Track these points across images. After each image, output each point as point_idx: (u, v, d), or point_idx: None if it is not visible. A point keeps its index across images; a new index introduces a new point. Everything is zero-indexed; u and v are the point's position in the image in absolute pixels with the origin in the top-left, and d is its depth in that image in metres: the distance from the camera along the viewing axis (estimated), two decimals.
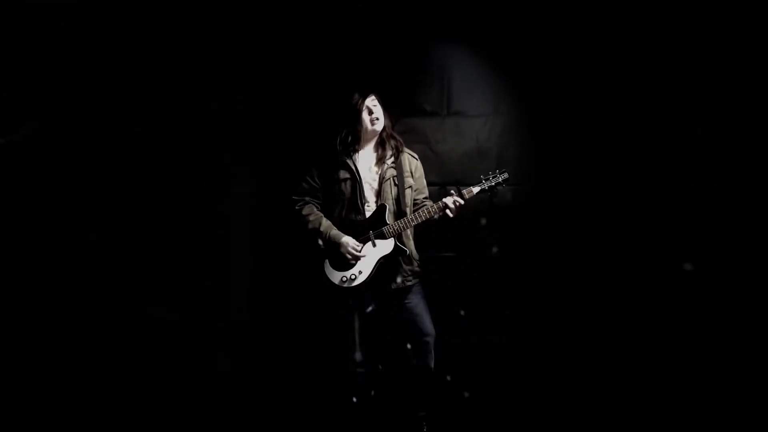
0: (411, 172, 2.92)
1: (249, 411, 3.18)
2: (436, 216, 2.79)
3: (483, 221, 3.13)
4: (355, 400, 2.92)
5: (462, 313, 3.13)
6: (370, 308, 2.87)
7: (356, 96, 2.83)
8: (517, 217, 3.18)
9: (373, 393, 2.96)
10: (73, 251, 3.06)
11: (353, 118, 2.84)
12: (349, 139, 2.87)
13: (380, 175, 2.88)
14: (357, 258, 2.80)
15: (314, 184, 2.91)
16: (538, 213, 3.17)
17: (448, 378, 3.06)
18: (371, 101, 2.84)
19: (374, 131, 2.87)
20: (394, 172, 2.88)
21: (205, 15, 3.15)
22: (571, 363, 3.12)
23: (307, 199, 2.92)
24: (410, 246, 2.89)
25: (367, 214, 2.84)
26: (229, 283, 3.25)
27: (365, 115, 2.83)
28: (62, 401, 2.99)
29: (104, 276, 3.10)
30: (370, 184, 2.88)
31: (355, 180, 2.85)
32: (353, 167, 2.86)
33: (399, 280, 2.85)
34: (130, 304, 3.13)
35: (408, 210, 2.87)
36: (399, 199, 2.86)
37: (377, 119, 2.84)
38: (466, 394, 3.09)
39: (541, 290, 3.19)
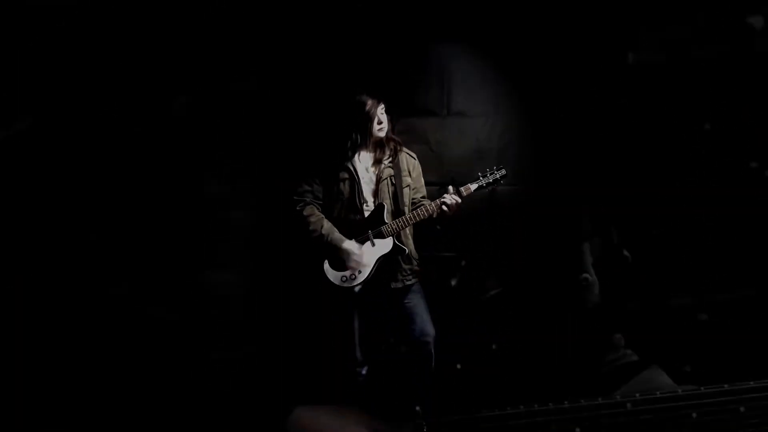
0: (408, 172, 2.92)
1: (249, 411, 3.17)
2: (434, 214, 2.79)
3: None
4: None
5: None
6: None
7: (369, 104, 2.83)
8: (517, 217, 3.18)
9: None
10: (73, 251, 3.06)
11: (364, 125, 2.85)
12: (358, 142, 2.88)
13: (378, 174, 2.89)
14: (357, 264, 2.81)
15: (315, 184, 2.92)
16: (538, 213, 3.17)
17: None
18: (380, 110, 2.86)
19: (377, 137, 2.89)
20: (392, 172, 2.88)
21: (206, 15, 3.16)
22: (571, 363, 3.12)
23: (307, 199, 2.92)
24: (409, 245, 2.88)
25: (366, 214, 2.85)
26: (229, 283, 3.25)
27: (375, 124, 2.85)
28: (62, 401, 2.98)
29: (104, 276, 3.10)
30: (369, 184, 2.88)
31: (354, 180, 2.86)
32: (352, 168, 2.87)
33: (398, 279, 2.85)
34: (130, 304, 3.12)
35: (406, 209, 2.87)
36: (397, 199, 2.86)
37: (383, 128, 2.87)
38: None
39: (541, 290, 3.19)
